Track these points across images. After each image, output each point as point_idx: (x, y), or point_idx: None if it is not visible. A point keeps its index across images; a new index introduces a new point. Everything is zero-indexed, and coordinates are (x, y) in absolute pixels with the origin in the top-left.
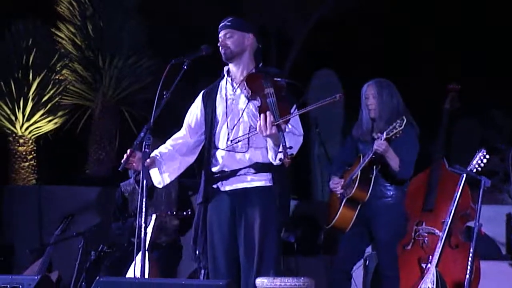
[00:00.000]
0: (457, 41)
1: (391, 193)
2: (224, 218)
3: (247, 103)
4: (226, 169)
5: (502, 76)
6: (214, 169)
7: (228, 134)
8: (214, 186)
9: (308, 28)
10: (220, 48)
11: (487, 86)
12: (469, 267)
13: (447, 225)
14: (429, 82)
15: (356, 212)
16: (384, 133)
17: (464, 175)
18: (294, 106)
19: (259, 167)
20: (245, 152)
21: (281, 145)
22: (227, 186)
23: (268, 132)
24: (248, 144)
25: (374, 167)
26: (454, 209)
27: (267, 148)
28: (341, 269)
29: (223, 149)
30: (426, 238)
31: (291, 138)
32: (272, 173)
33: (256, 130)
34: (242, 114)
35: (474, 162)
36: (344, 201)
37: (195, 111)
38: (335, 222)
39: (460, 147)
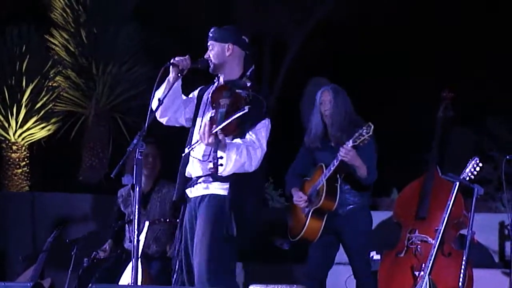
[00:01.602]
0: (451, 49)
1: (356, 198)
2: (194, 229)
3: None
4: (192, 176)
5: (496, 83)
6: (186, 173)
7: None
8: (186, 191)
9: (303, 34)
10: None
11: (481, 93)
12: (462, 275)
13: (440, 233)
14: (424, 90)
15: (324, 222)
16: (351, 141)
17: (457, 183)
18: (263, 119)
19: (217, 176)
20: (205, 160)
21: (212, 155)
22: (192, 193)
23: (205, 141)
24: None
25: (338, 175)
26: (447, 217)
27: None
28: (315, 278)
29: (184, 154)
30: (419, 246)
31: (242, 152)
32: (229, 182)
33: None
34: None
35: (467, 170)
36: (311, 212)
37: (192, 97)
38: (303, 234)
39: (454, 155)
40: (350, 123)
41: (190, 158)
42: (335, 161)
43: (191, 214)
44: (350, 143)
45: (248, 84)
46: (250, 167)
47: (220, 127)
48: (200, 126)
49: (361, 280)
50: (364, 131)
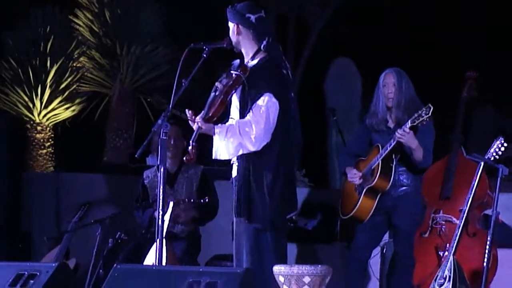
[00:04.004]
0: (473, 29)
1: (409, 181)
2: None
3: None
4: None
5: None
6: None
7: None
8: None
9: (327, 16)
10: None
11: (504, 73)
12: (486, 255)
13: (464, 213)
14: (446, 70)
15: (376, 202)
16: (409, 122)
17: (482, 163)
18: (261, 96)
19: (239, 157)
20: None
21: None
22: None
23: (193, 126)
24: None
25: (393, 155)
26: (472, 197)
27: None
28: (358, 258)
29: None
30: (444, 226)
31: (235, 133)
32: (238, 164)
33: None
34: None
35: (492, 150)
36: (364, 191)
37: None
38: (355, 212)
39: (478, 135)
40: (413, 105)
41: None
42: (392, 141)
43: None
44: (408, 124)
45: (255, 61)
46: (251, 146)
47: (202, 114)
48: None
49: (401, 261)
50: (424, 112)
